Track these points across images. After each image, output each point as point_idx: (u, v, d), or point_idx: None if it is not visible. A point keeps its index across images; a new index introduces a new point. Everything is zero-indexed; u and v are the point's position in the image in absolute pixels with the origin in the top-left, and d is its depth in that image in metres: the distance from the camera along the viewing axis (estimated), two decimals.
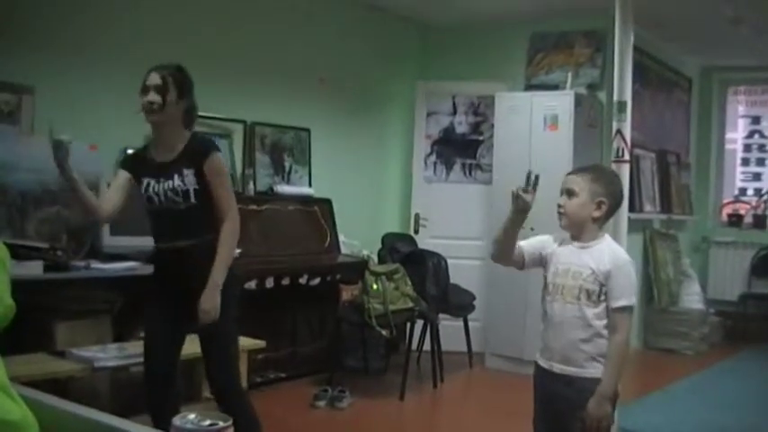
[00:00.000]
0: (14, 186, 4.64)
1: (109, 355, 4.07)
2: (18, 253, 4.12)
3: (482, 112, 7.72)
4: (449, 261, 6.65)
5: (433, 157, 7.80)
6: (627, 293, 2.97)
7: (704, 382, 7.01)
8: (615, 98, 4.83)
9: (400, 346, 6.63)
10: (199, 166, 3.60)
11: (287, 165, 6.66)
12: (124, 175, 3.75)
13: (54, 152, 3.46)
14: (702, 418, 5.80)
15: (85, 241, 4.86)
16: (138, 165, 3.75)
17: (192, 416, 1.53)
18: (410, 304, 6.04)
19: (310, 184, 6.80)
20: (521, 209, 3.09)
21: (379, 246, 7.06)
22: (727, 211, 9.80)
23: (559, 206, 3.09)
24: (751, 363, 7.92)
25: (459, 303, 6.82)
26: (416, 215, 7.71)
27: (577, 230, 3.08)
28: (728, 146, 9.97)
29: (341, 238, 6.80)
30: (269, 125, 6.54)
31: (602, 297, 2.97)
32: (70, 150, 3.48)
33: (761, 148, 9.80)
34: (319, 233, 6.63)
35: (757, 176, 9.77)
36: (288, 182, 6.61)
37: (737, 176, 9.91)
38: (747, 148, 9.90)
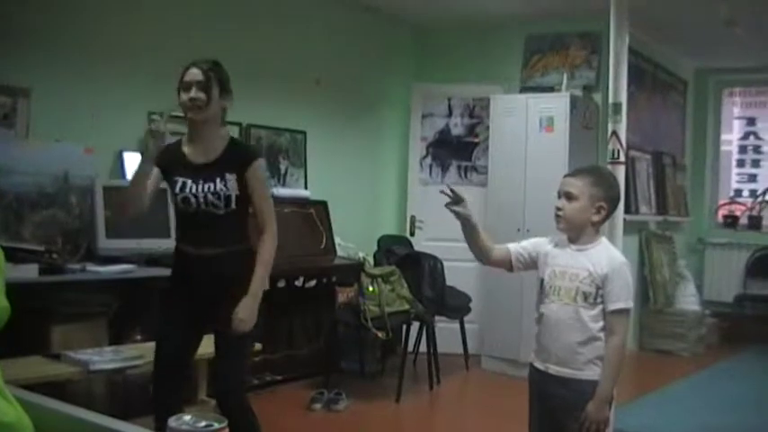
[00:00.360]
0: (10, 189, 4.63)
1: (105, 358, 4.06)
2: (14, 256, 4.11)
3: (478, 114, 7.73)
4: (445, 263, 6.65)
5: (429, 160, 7.80)
6: (624, 296, 2.97)
7: (700, 383, 7.02)
8: (611, 100, 4.83)
9: (396, 348, 6.62)
10: (242, 172, 3.51)
11: (283, 167, 6.66)
12: (154, 174, 3.58)
13: (154, 142, 3.44)
14: (698, 419, 5.81)
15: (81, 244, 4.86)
16: (171, 162, 3.58)
17: (187, 417, 1.53)
18: (406, 306, 6.04)
19: (306, 187, 6.80)
20: (462, 217, 3.24)
21: (375, 248, 7.06)
22: (722, 212, 9.81)
23: (558, 209, 3.07)
24: (747, 364, 7.93)
25: (456, 305, 6.81)
26: (412, 217, 7.71)
27: (575, 234, 3.07)
28: (724, 147, 9.98)
29: (337, 240, 6.80)
30: (264, 127, 6.54)
31: (599, 299, 2.97)
32: (166, 134, 3.47)
33: (756, 149, 9.82)
34: (315, 235, 6.62)
35: (752, 178, 9.78)
36: (284, 184, 6.61)
37: (733, 178, 9.93)
38: (743, 149, 9.91)
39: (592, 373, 2.98)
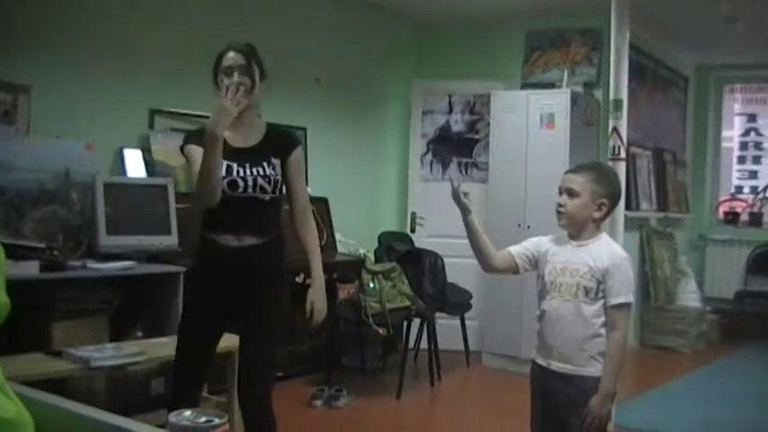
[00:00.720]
0: (11, 186, 4.64)
1: (105, 354, 4.05)
2: (14, 253, 4.12)
3: (478, 110, 7.73)
4: (445, 260, 6.65)
5: (430, 156, 7.80)
6: (625, 291, 2.97)
7: (701, 379, 7.03)
8: (611, 96, 4.84)
9: (397, 344, 6.63)
10: (285, 158, 3.46)
11: None
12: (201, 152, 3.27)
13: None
14: (699, 415, 5.81)
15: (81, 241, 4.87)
16: None
17: (187, 412, 1.53)
18: (407, 303, 6.04)
19: (307, 183, 6.75)
20: (464, 209, 3.31)
21: (376, 244, 7.06)
22: (723, 208, 9.81)
23: (559, 205, 3.07)
24: (747, 360, 7.94)
25: (456, 302, 6.82)
26: (413, 214, 7.71)
27: (576, 230, 3.07)
28: (725, 144, 9.98)
29: (337, 236, 6.80)
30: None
31: (600, 294, 2.97)
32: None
33: (757, 145, 9.82)
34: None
35: (753, 174, 9.79)
36: None
37: (734, 174, 9.93)
38: (743, 145, 9.91)
39: (594, 369, 2.98)
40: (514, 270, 3.23)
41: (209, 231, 3.44)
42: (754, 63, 9.03)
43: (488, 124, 7.35)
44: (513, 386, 6.14)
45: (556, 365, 3.04)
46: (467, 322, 7.04)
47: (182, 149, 3.47)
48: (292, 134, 3.63)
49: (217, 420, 1.51)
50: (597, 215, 3.05)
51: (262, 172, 3.37)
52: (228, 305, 3.41)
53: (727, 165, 9.97)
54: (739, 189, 9.85)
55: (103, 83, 5.30)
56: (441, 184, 7.69)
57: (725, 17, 6.80)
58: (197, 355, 3.54)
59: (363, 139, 7.61)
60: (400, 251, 6.77)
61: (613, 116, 4.83)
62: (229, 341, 3.65)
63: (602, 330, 2.98)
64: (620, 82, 4.82)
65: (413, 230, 7.63)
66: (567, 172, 3.15)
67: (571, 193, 3.04)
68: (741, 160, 9.91)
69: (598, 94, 7.19)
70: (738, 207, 9.67)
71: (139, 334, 4.76)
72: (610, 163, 4.92)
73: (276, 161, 3.44)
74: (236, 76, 3.38)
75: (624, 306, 2.97)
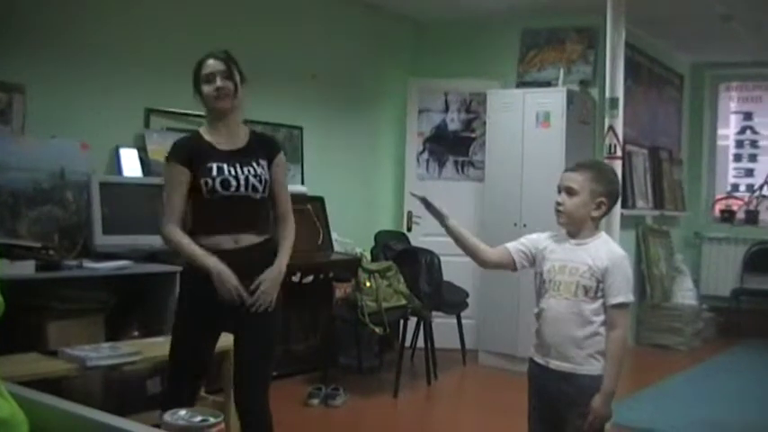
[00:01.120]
0: (6, 185, 4.63)
1: (101, 354, 4.05)
2: (10, 252, 4.11)
3: (474, 109, 7.73)
4: (442, 258, 6.64)
5: (426, 155, 7.80)
6: (624, 290, 2.97)
7: (697, 377, 7.04)
8: (607, 95, 4.84)
9: (394, 343, 6.62)
10: (270, 162, 3.51)
11: None
12: (186, 176, 3.39)
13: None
14: (696, 413, 5.82)
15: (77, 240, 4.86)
16: (195, 150, 3.44)
17: (183, 412, 1.52)
18: (403, 302, 6.04)
19: (303, 182, 6.79)
20: (440, 217, 3.34)
21: (372, 243, 7.06)
22: (719, 206, 9.82)
23: (558, 204, 3.06)
24: (744, 358, 7.95)
25: (453, 301, 6.82)
26: (409, 213, 7.70)
27: (575, 229, 3.07)
28: (720, 142, 9.99)
29: (334, 235, 6.80)
30: (261, 123, 6.51)
31: (599, 293, 2.97)
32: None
33: (753, 144, 9.83)
34: (312, 231, 6.63)
35: (749, 172, 9.80)
36: None
37: (730, 172, 9.95)
38: (739, 144, 9.93)
39: (592, 367, 2.99)
40: (512, 267, 3.23)
41: (200, 236, 3.43)
42: (749, 61, 9.04)
43: (484, 123, 7.35)
44: (510, 384, 6.14)
45: (554, 364, 3.03)
46: (463, 321, 7.04)
47: (167, 159, 3.50)
48: (275, 139, 3.72)
49: (212, 420, 1.51)
50: (596, 214, 3.05)
51: (253, 171, 3.42)
52: (225, 308, 3.38)
53: (723, 163, 9.98)
54: (735, 187, 9.87)
55: (99, 82, 5.29)
56: (437, 182, 7.70)
57: (720, 15, 6.81)
58: (193, 361, 3.54)
59: (359, 138, 7.61)
60: (396, 250, 6.77)
61: (609, 114, 4.83)
62: (225, 341, 3.65)
63: (601, 329, 2.98)
64: (615, 80, 4.82)
65: (409, 229, 7.62)
66: (566, 170, 3.14)
67: (570, 192, 3.03)
68: (737, 158, 9.92)
69: (594, 92, 7.19)
70: (734, 205, 9.69)
71: (135, 333, 4.75)
72: (606, 161, 4.93)
73: (264, 162, 3.49)
74: (218, 81, 3.43)
75: (624, 305, 2.98)
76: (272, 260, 3.49)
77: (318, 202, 6.74)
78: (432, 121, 7.81)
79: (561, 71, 7.17)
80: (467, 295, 6.97)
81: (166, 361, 3.68)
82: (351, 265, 6.19)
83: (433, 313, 6.57)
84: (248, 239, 3.44)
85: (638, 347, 8.02)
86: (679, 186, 9.34)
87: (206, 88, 3.44)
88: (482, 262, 3.30)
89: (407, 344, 6.53)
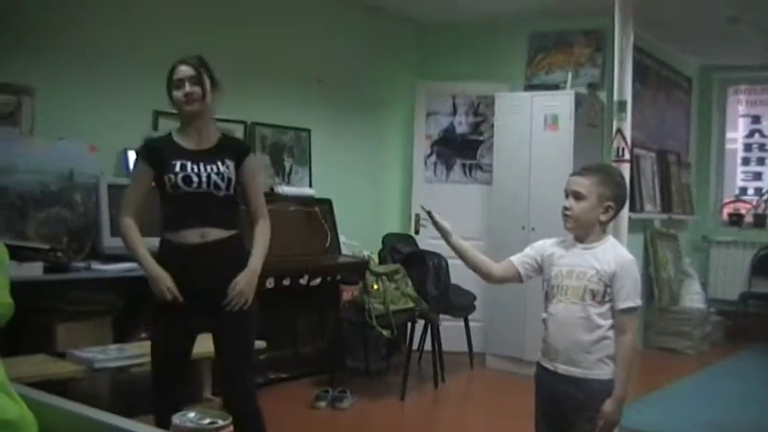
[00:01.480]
0: (14, 188, 4.64)
1: (109, 356, 4.07)
2: (18, 254, 4.12)
3: (482, 112, 7.72)
4: (449, 261, 6.62)
5: (433, 158, 7.80)
6: (632, 295, 2.96)
7: (705, 381, 7.02)
8: (615, 98, 4.82)
9: (401, 346, 6.62)
10: (239, 162, 3.60)
11: (287, 165, 6.66)
12: (148, 174, 3.58)
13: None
14: (703, 416, 5.80)
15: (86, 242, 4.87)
16: (162, 149, 3.59)
17: (192, 414, 1.53)
18: (411, 304, 6.03)
19: (311, 185, 6.80)
20: (444, 233, 3.34)
21: (380, 246, 7.06)
22: (727, 210, 9.79)
23: (566, 208, 3.04)
24: (751, 362, 7.93)
25: (460, 304, 6.81)
26: (417, 215, 7.70)
27: (583, 233, 3.05)
28: (729, 145, 9.96)
29: (341, 238, 6.80)
30: (269, 126, 6.54)
31: (607, 297, 2.96)
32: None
33: (761, 147, 9.80)
34: (320, 234, 6.63)
35: (758, 176, 9.77)
36: (288, 182, 6.62)
37: (738, 176, 9.91)
38: (748, 147, 9.90)
39: (601, 372, 2.97)
40: (517, 279, 3.22)
41: (169, 232, 3.56)
42: (758, 65, 9.01)
43: (492, 126, 7.34)
44: (518, 388, 6.13)
45: (563, 369, 3.02)
46: (471, 324, 7.03)
47: (137, 153, 3.72)
48: (244, 141, 3.79)
49: (221, 422, 1.51)
50: (604, 218, 3.03)
51: (215, 170, 3.53)
52: (198, 306, 3.49)
53: (731, 166, 9.95)
54: (743, 191, 9.84)
55: (107, 84, 5.30)
56: (445, 185, 7.71)
57: (728, 18, 6.79)
58: (170, 362, 3.64)
59: (367, 141, 7.61)
60: (404, 253, 6.77)
61: (617, 118, 4.81)
62: None
63: (609, 333, 2.97)
64: (624, 83, 4.80)
65: (417, 232, 7.61)
66: (572, 174, 3.12)
67: (577, 196, 3.01)
68: (745, 162, 9.90)
69: (602, 95, 7.18)
70: (743, 209, 9.66)
71: (143, 335, 4.75)
72: (614, 165, 4.91)
73: (230, 162, 3.58)
74: (187, 87, 3.54)
75: (632, 310, 2.97)
76: (242, 254, 3.59)
77: (326, 204, 6.75)
78: (439, 124, 7.81)
79: (569, 74, 7.16)
80: (474, 298, 6.96)
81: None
82: (358, 268, 6.19)
83: (441, 316, 6.56)
84: (215, 234, 3.52)
85: (646, 351, 8.00)
86: (687, 190, 9.32)
87: (176, 93, 3.57)
88: (486, 276, 3.31)
89: (415, 347, 6.52)
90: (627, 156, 4.74)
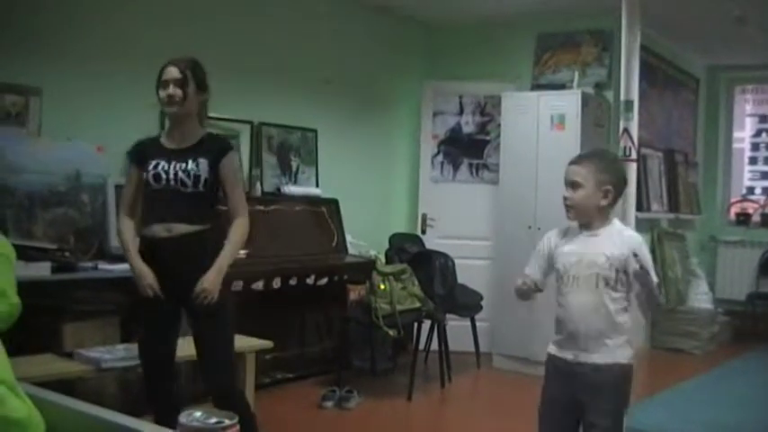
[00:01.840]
0: (22, 188, 4.66)
1: (116, 355, 4.07)
2: (26, 254, 4.13)
3: (489, 111, 7.72)
4: (456, 261, 6.64)
5: (440, 157, 7.79)
6: (653, 272, 3.04)
7: (712, 381, 7.00)
8: (622, 97, 4.83)
9: (408, 346, 6.62)
10: (215, 161, 3.65)
11: (294, 165, 6.67)
12: (136, 174, 3.75)
13: None
14: (711, 417, 5.79)
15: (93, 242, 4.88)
16: (147, 150, 3.76)
17: (198, 413, 1.53)
18: (417, 304, 6.04)
19: (317, 185, 6.80)
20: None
21: (387, 246, 7.06)
22: (734, 210, 9.77)
23: (565, 198, 3.08)
24: (759, 362, 7.90)
25: (467, 303, 6.81)
26: (423, 215, 7.71)
27: (586, 220, 3.09)
28: (736, 145, 9.94)
29: (348, 238, 6.80)
30: (276, 125, 6.55)
31: (620, 283, 3.00)
32: None
33: None
34: (326, 233, 6.63)
35: (765, 175, 9.74)
36: (295, 182, 6.62)
37: (745, 175, 9.89)
38: (755, 146, 9.87)
39: (621, 356, 3.04)
40: (540, 288, 3.26)
41: (144, 227, 3.72)
42: (765, 64, 8.99)
43: (499, 125, 7.34)
44: (524, 388, 6.12)
45: (583, 356, 3.04)
46: (477, 324, 7.03)
47: (127, 155, 3.86)
48: (226, 140, 3.88)
49: (227, 422, 1.52)
50: (604, 202, 3.06)
51: (183, 167, 3.62)
52: (170, 303, 3.62)
53: (738, 166, 9.93)
54: (751, 190, 9.81)
55: (114, 85, 5.31)
56: (451, 185, 7.71)
57: (735, 18, 6.78)
58: (156, 358, 3.75)
59: (374, 141, 7.61)
60: (411, 252, 6.77)
61: (624, 117, 4.81)
62: (241, 342, 3.66)
63: (626, 317, 3.03)
64: (630, 83, 4.80)
65: (423, 232, 7.62)
66: (569, 164, 3.16)
67: (575, 185, 3.06)
68: (752, 161, 9.87)
69: (609, 95, 7.18)
70: (750, 208, 9.64)
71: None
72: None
73: (203, 161, 3.65)
74: (170, 89, 3.62)
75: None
76: (208, 249, 3.63)
77: (333, 204, 6.75)
78: (446, 124, 7.81)
79: (576, 74, 7.16)
80: (481, 298, 6.96)
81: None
82: (365, 268, 6.19)
83: (447, 316, 6.56)
84: (180, 229, 3.62)
85: (653, 351, 7.98)
86: (694, 189, 9.30)
87: (160, 93, 3.67)
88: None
89: (421, 346, 6.53)
90: (634, 155, 4.74)
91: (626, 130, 4.80)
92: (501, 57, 7.78)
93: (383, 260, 6.67)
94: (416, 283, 6.10)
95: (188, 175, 3.61)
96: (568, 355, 3.08)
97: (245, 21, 6.22)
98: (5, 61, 4.72)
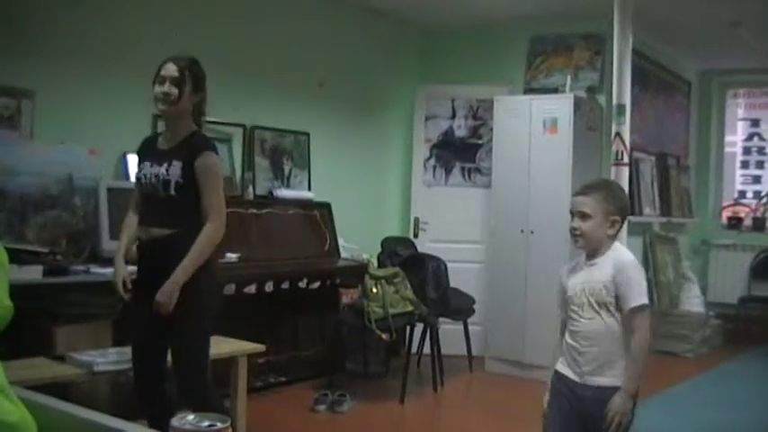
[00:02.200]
0: (14, 191, 4.64)
1: (108, 359, 4.06)
2: (18, 257, 4.11)
3: (481, 115, 7.73)
4: (448, 264, 6.64)
5: (433, 161, 7.80)
6: (636, 293, 3.03)
7: (705, 384, 7.02)
8: (614, 101, 4.84)
9: (400, 349, 6.62)
10: (189, 161, 3.62)
11: (286, 169, 6.67)
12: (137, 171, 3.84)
13: None
14: (703, 420, 5.80)
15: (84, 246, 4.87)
16: (145, 150, 3.85)
17: (190, 416, 1.53)
18: (410, 308, 6.03)
19: (310, 188, 6.80)
20: None
21: (379, 249, 7.06)
22: (726, 213, 9.80)
23: (574, 229, 3.14)
24: (751, 365, 7.92)
25: (459, 307, 6.81)
26: (416, 219, 7.71)
27: (594, 249, 3.15)
28: (728, 149, 9.98)
29: (340, 241, 6.80)
30: (268, 129, 6.55)
31: (619, 306, 3.05)
32: None
33: (760, 150, 9.81)
34: (319, 237, 6.63)
35: (757, 179, 9.78)
36: (287, 186, 6.62)
37: (737, 179, 9.92)
38: (747, 150, 9.91)
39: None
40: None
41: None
42: (757, 68, 9.03)
43: (491, 129, 7.34)
44: (517, 391, 6.15)
45: (591, 380, 3.10)
46: (470, 327, 7.03)
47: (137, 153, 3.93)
48: (204, 140, 3.77)
49: (220, 425, 1.52)
50: (611, 232, 3.13)
51: (156, 172, 3.65)
52: (148, 299, 3.61)
53: (730, 170, 9.97)
54: (742, 194, 9.84)
55: (107, 88, 5.30)
56: (444, 189, 7.71)
57: (728, 22, 6.80)
58: (150, 359, 3.78)
59: (366, 144, 7.61)
60: (403, 256, 6.77)
61: (616, 121, 4.83)
62: (235, 346, 3.66)
63: (628, 338, 3.06)
64: (623, 87, 4.82)
65: (416, 235, 7.63)
66: (575, 195, 3.21)
67: (584, 216, 3.11)
68: (744, 165, 9.91)
69: (601, 99, 7.19)
70: (742, 212, 9.67)
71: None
72: (613, 168, 4.92)
73: (177, 163, 3.63)
74: (166, 86, 3.61)
75: (642, 308, 3.03)
76: (180, 253, 3.59)
77: (325, 207, 6.75)
78: (439, 128, 7.81)
79: (568, 77, 7.17)
80: (473, 302, 6.96)
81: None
82: (357, 272, 6.19)
83: (440, 319, 6.56)
84: (155, 232, 3.68)
85: None
86: (686, 193, 9.33)
87: (156, 88, 3.66)
88: None
89: (414, 350, 6.52)
90: (626, 159, 4.76)
91: (618, 134, 4.82)
92: (494, 60, 7.79)
93: (376, 264, 6.66)
94: (409, 286, 6.10)
95: (158, 181, 3.63)
96: (576, 378, 3.14)
97: (239, 24, 6.22)
98: None
